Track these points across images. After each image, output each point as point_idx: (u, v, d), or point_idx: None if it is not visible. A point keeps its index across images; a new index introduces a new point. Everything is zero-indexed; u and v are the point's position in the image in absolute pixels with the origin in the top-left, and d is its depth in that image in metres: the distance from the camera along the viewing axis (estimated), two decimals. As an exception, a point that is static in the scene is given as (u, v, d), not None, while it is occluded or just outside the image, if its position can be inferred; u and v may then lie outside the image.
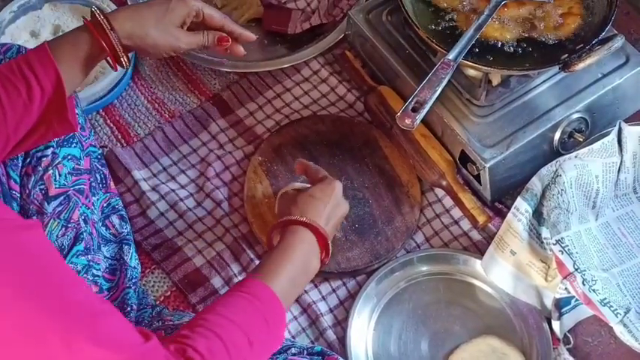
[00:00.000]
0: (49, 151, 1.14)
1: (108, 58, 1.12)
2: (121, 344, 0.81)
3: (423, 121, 1.20)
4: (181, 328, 0.94)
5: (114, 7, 1.52)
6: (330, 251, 1.12)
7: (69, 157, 1.15)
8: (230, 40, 1.19)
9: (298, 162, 1.24)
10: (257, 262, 1.36)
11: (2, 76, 1.03)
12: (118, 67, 1.13)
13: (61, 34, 1.48)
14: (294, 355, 1.15)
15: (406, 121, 1.17)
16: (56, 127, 1.10)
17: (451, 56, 1.21)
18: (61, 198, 1.13)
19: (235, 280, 1.33)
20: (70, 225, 1.15)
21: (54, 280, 0.80)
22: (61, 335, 0.76)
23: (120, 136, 1.42)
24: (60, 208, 1.14)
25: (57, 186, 1.13)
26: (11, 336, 0.74)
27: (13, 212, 0.88)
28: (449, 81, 1.22)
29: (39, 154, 1.13)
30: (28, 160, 1.13)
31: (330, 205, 1.14)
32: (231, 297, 0.99)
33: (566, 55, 1.25)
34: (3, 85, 1.03)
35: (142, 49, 1.15)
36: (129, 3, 1.47)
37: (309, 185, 1.19)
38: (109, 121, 1.43)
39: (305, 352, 1.17)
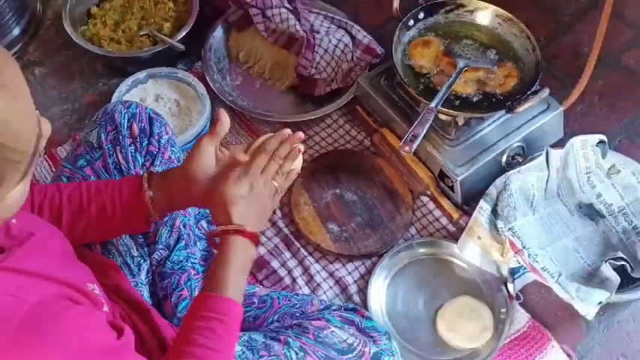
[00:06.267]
0: None
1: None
2: None
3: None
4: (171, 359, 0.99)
5: (198, 83, 1.67)
6: (259, 238, 1.09)
7: None
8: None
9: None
10: (303, 251, 1.53)
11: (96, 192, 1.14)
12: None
13: (159, 100, 1.66)
14: (334, 310, 1.30)
15: (406, 148, 1.36)
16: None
17: (433, 104, 1.38)
18: None
19: (289, 263, 1.52)
20: (174, 229, 1.28)
21: None
22: None
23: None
24: (166, 218, 1.25)
25: None
26: None
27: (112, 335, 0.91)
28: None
29: None
30: None
31: (248, 201, 1.08)
32: (206, 323, 1.00)
33: (510, 102, 1.40)
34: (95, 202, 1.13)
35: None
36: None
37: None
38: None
39: (342, 308, 1.32)
